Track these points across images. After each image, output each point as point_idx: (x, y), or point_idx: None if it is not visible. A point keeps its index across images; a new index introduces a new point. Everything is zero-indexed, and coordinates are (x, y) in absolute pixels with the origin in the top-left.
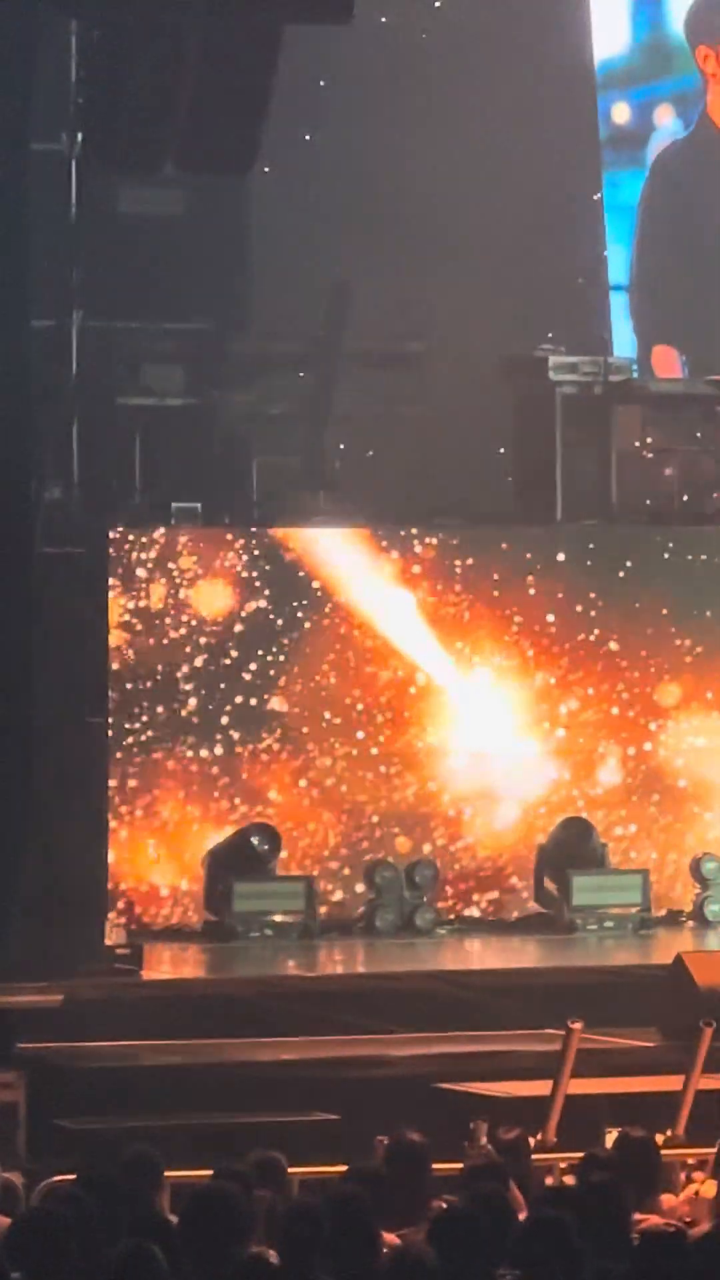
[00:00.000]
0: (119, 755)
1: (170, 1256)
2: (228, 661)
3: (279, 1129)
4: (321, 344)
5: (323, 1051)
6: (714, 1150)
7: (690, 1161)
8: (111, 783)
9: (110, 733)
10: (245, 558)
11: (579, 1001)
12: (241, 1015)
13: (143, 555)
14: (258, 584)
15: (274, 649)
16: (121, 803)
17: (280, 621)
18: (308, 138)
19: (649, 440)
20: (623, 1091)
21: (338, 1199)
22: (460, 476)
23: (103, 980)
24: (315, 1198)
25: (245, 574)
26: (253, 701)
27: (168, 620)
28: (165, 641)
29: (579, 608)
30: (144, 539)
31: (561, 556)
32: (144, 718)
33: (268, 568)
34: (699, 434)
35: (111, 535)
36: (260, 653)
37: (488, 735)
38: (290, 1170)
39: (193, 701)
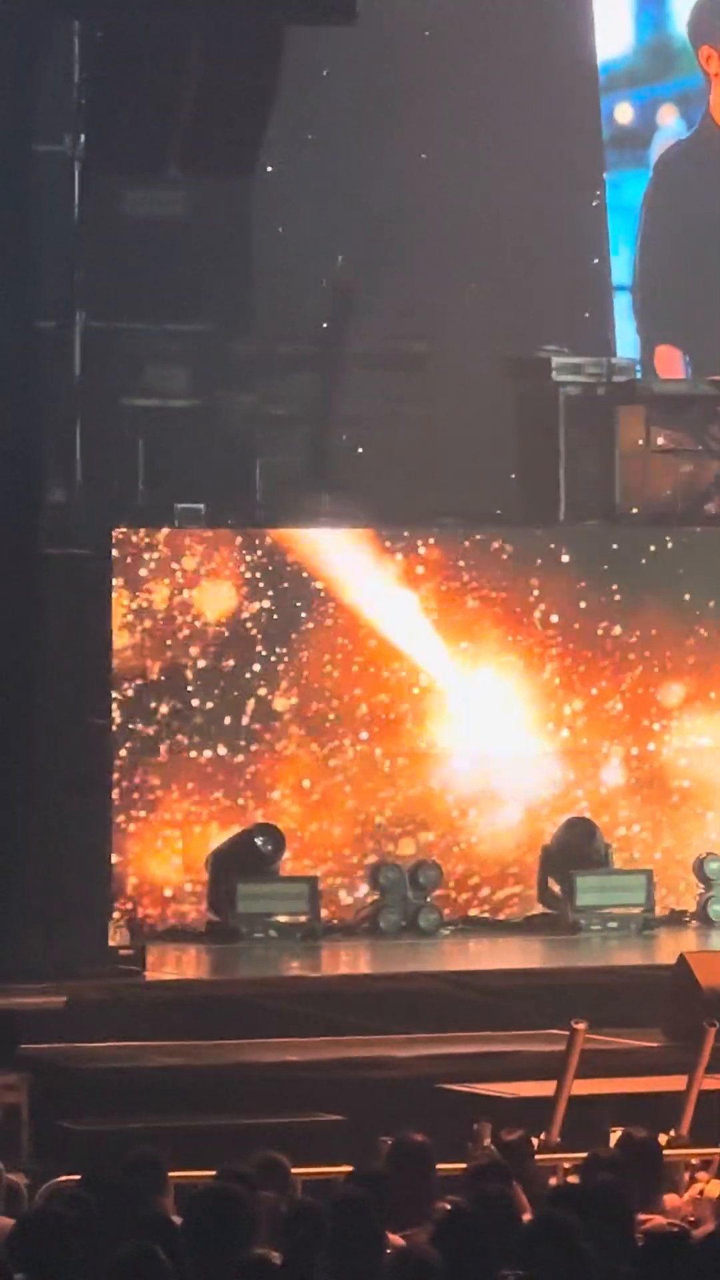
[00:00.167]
0: (122, 756)
1: (173, 1258)
2: (231, 662)
3: (283, 1130)
4: (325, 345)
5: (326, 1052)
6: (718, 1150)
7: (694, 1162)
8: (115, 784)
9: (114, 733)
10: (249, 558)
11: (583, 1002)
12: (245, 1016)
13: (146, 556)
14: (261, 585)
15: (278, 649)
16: (125, 804)
17: (284, 622)
18: (310, 138)
19: (652, 441)
20: (627, 1092)
21: (342, 1200)
22: (464, 477)
23: (106, 981)
24: (318, 1199)
25: (249, 575)
26: (256, 702)
27: (171, 621)
28: (169, 642)
29: (582, 608)
30: (148, 540)
31: (565, 557)
32: (147, 718)
33: (271, 568)
34: (702, 434)
35: (115, 536)
36: (264, 653)
37: (491, 736)
38: (294, 1171)
39: (196, 702)
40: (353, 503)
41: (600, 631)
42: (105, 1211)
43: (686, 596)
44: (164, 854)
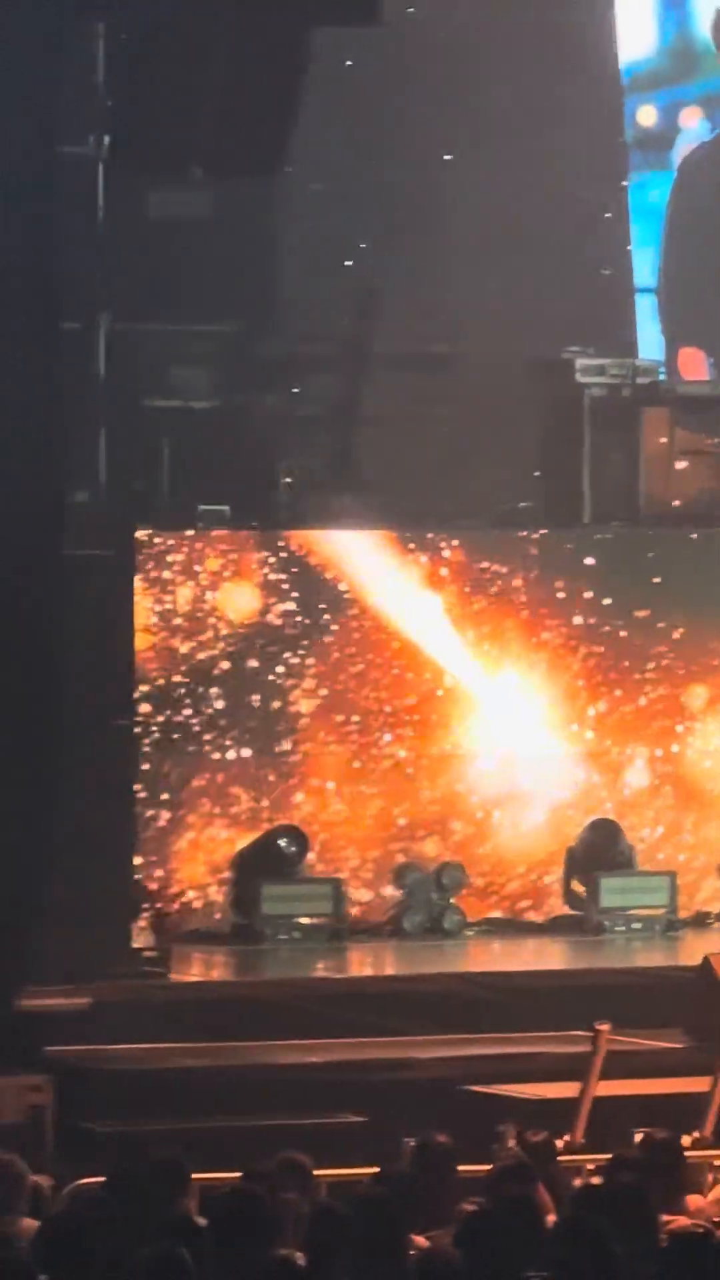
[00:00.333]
0: (145, 758)
1: (197, 1259)
2: (255, 664)
3: (306, 1131)
4: (349, 346)
5: (350, 1054)
6: None
7: (717, 1163)
8: (138, 786)
9: (137, 735)
10: (273, 560)
11: (607, 1003)
12: (269, 1018)
13: (170, 558)
14: (285, 586)
15: (301, 651)
16: (148, 806)
17: (307, 624)
18: (334, 138)
19: (677, 442)
20: (650, 1093)
21: (365, 1202)
22: (487, 479)
23: (130, 983)
24: (341, 1200)
25: (272, 576)
26: (280, 704)
27: (195, 623)
28: (192, 644)
29: (606, 610)
30: (171, 541)
31: (589, 559)
32: (170, 720)
33: (295, 570)
34: None
35: (139, 537)
36: (287, 655)
37: (515, 738)
38: (317, 1173)
39: (220, 704)
40: (377, 504)
41: (624, 633)
42: (129, 1213)
43: (712, 598)
44: (188, 856)
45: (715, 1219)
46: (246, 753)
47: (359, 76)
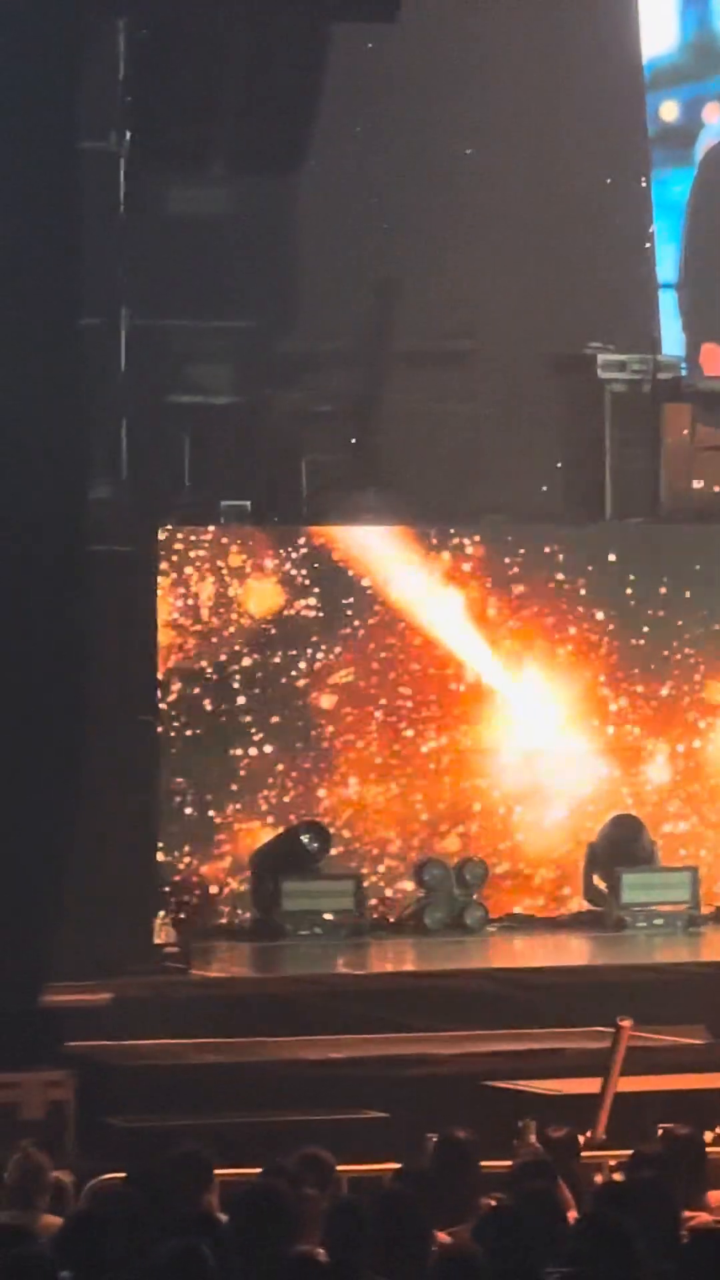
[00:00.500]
0: (168, 754)
1: (219, 1254)
2: (277, 659)
3: (328, 1127)
4: (369, 342)
5: (372, 1050)
6: None
7: None
8: (160, 781)
9: (160, 731)
10: (294, 556)
11: (628, 999)
12: (290, 1013)
13: (192, 554)
14: (307, 582)
15: (323, 647)
16: (170, 801)
17: (329, 619)
18: (355, 131)
19: (698, 437)
20: (672, 1089)
21: (387, 1197)
22: (509, 475)
23: (152, 979)
24: (361, 1196)
25: (294, 572)
26: (301, 700)
27: (217, 618)
28: (214, 640)
29: (627, 605)
30: (193, 537)
31: (611, 555)
32: (193, 716)
33: (317, 566)
34: None
35: (160, 534)
36: (309, 651)
37: (537, 733)
38: (340, 1169)
39: (242, 699)
40: (398, 500)
41: (646, 628)
42: (150, 1209)
43: None
44: (210, 851)
45: None
46: (269, 748)
47: (379, 73)
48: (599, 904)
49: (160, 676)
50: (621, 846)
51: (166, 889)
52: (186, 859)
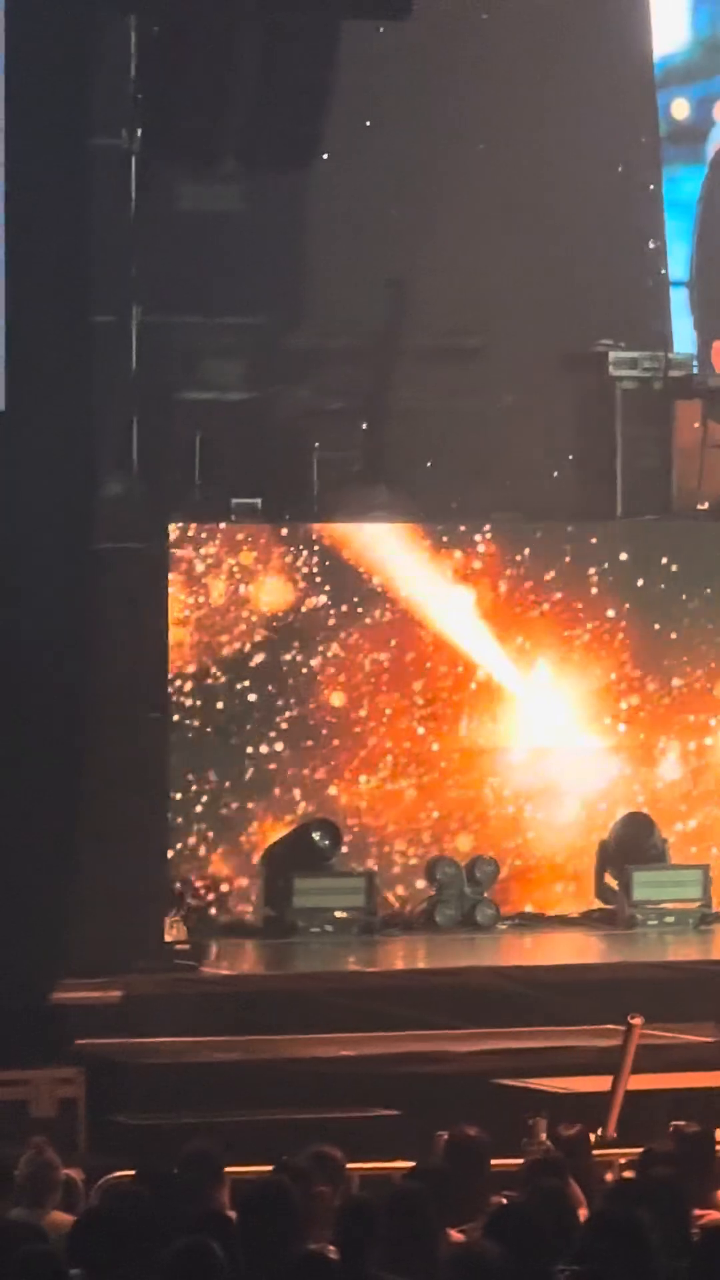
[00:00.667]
0: (179, 751)
1: (229, 1252)
2: (288, 657)
3: (339, 1125)
4: (380, 338)
5: (383, 1047)
6: None
7: None
8: (171, 778)
9: (170, 728)
10: (305, 553)
11: (639, 997)
12: (301, 1011)
13: (203, 551)
14: (317, 579)
15: (334, 644)
16: (181, 798)
17: (340, 616)
18: (366, 126)
19: (710, 435)
20: (683, 1087)
21: (398, 1195)
22: (520, 472)
23: (162, 976)
24: (371, 1194)
25: (305, 569)
26: (313, 697)
27: (228, 615)
28: (225, 637)
29: (639, 603)
30: (204, 534)
31: (622, 553)
32: (204, 713)
33: (328, 563)
34: None
35: (171, 530)
36: (320, 648)
37: (548, 731)
38: (351, 1167)
39: (253, 696)
40: (409, 497)
41: (657, 626)
42: (161, 1206)
43: None
44: (221, 849)
45: None
46: (279, 746)
47: (391, 66)
48: (610, 902)
49: (171, 673)
50: (633, 844)
51: (177, 886)
52: (197, 856)
